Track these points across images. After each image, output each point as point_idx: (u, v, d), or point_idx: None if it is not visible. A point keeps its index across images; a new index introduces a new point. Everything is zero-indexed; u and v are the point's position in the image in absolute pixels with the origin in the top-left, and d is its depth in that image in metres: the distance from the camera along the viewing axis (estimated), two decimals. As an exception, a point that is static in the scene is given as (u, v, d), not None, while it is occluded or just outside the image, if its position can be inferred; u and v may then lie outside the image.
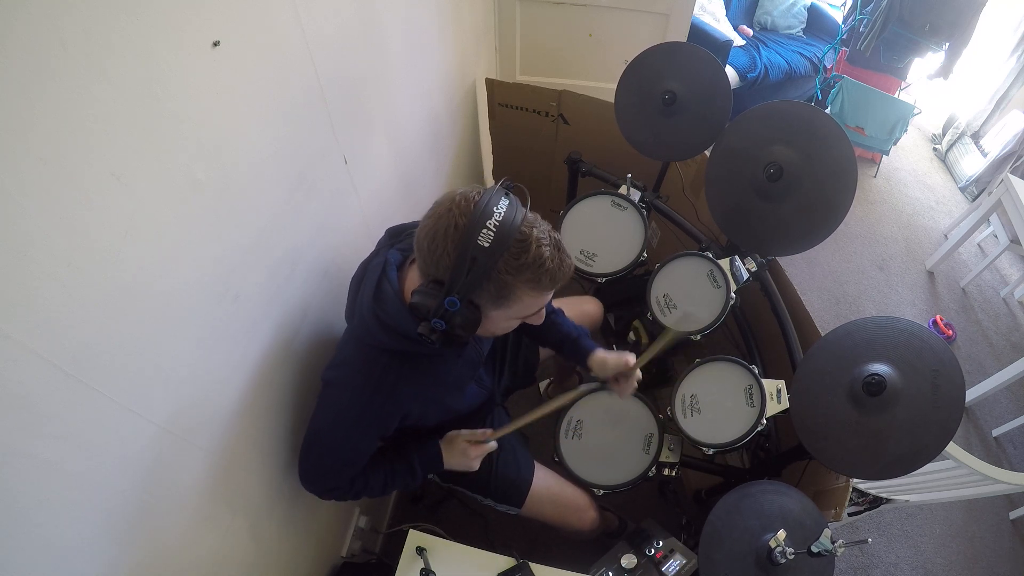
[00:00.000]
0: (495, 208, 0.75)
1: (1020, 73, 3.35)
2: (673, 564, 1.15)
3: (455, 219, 0.75)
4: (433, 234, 0.76)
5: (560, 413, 1.39)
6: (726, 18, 3.23)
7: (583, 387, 1.21)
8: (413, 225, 0.96)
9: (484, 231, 0.74)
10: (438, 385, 1.01)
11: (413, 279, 0.87)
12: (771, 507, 1.07)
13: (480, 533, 1.62)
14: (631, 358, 1.14)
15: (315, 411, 0.95)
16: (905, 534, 2.00)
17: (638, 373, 1.16)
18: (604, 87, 1.75)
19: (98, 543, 0.65)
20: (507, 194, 0.79)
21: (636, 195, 1.55)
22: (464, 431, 1.11)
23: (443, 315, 0.78)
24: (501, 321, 0.87)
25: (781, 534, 0.97)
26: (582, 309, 1.52)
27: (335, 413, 0.92)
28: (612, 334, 1.78)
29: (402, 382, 0.91)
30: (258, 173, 0.80)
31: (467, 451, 1.08)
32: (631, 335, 1.72)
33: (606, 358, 1.17)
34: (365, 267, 0.92)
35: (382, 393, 0.90)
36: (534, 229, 0.78)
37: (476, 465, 1.10)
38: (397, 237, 0.96)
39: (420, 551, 1.05)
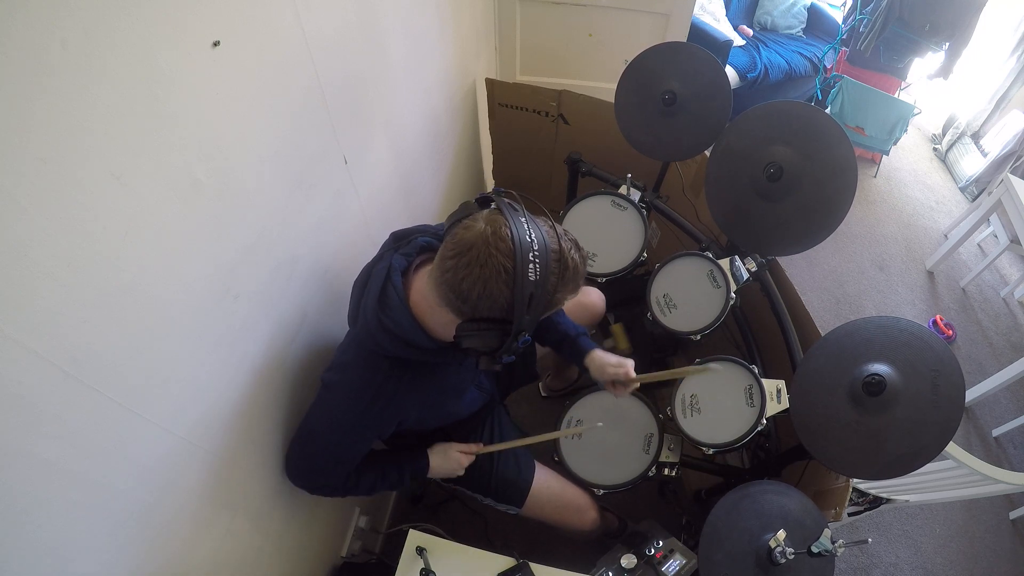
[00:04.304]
0: (528, 237, 0.75)
1: (1020, 73, 3.34)
2: (673, 564, 1.15)
3: (501, 262, 0.73)
4: (484, 282, 0.74)
5: (560, 413, 1.40)
6: (726, 18, 3.23)
7: (584, 426, 1.33)
8: (417, 230, 0.96)
9: (531, 266, 0.74)
10: (439, 392, 1.01)
11: (419, 287, 0.86)
12: (771, 507, 1.07)
13: (480, 533, 1.62)
14: (631, 369, 1.14)
15: (311, 410, 0.95)
16: (905, 534, 2.00)
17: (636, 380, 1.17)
18: (604, 87, 1.75)
19: (98, 543, 0.65)
20: (520, 210, 0.79)
21: (636, 195, 1.55)
22: (456, 444, 1.15)
23: (516, 351, 0.79)
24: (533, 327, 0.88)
25: (781, 534, 0.97)
26: (582, 300, 1.52)
27: (333, 416, 0.92)
28: (612, 334, 1.78)
29: (403, 389, 0.91)
30: (258, 173, 0.80)
31: (459, 460, 1.13)
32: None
33: (605, 363, 1.16)
34: (369, 271, 0.91)
35: (381, 399, 0.90)
36: (560, 240, 0.79)
37: (462, 471, 1.15)
38: (401, 241, 0.95)
39: (420, 551, 1.05)
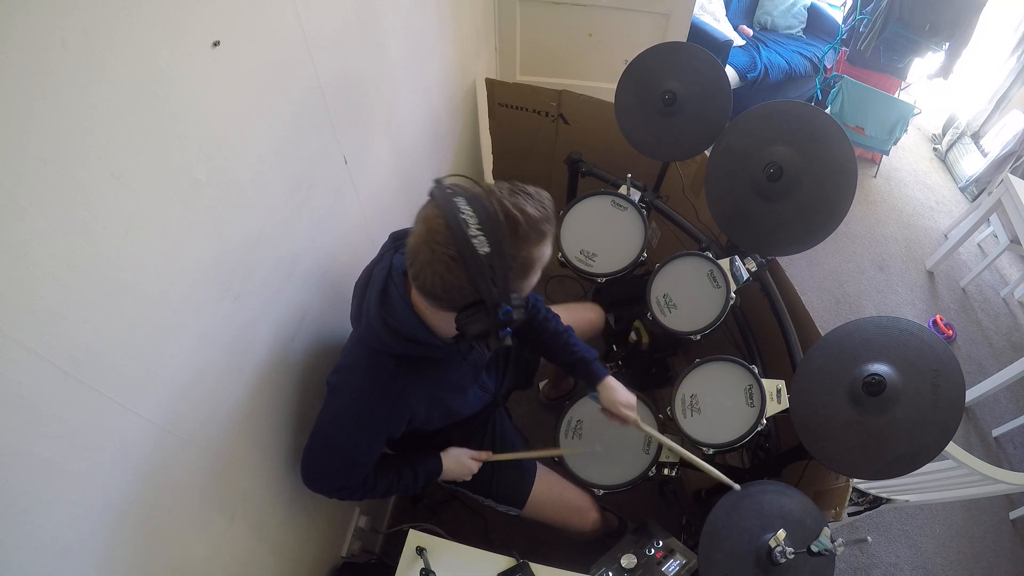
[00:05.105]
0: (462, 214, 0.73)
1: (1020, 73, 3.34)
2: (673, 564, 1.15)
3: (445, 253, 0.73)
4: (440, 277, 0.75)
5: (560, 414, 1.40)
6: (726, 18, 3.23)
7: (585, 449, 1.35)
8: None
9: (476, 240, 0.73)
10: (442, 389, 1.01)
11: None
12: (771, 507, 1.07)
13: (480, 533, 1.62)
14: (634, 412, 1.18)
15: (321, 415, 0.95)
16: (905, 534, 2.00)
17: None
18: (604, 87, 1.75)
19: (98, 543, 0.65)
20: (455, 190, 0.77)
21: (636, 195, 1.55)
22: (468, 450, 1.19)
23: (507, 323, 0.79)
24: (532, 285, 0.86)
25: (781, 534, 0.97)
26: (583, 316, 1.53)
27: (343, 418, 0.92)
28: (612, 334, 1.78)
29: (409, 386, 0.91)
30: (258, 173, 0.80)
31: (470, 465, 1.17)
32: (632, 335, 1.72)
33: (616, 400, 1.18)
34: (370, 272, 0.92)
35: (390, 398, 0.90)
36: (504, 200, 0.77)
37: (469, 477, 1.18)
38: (401, 242, 0.94)
39: (420, 551, 1.05)
